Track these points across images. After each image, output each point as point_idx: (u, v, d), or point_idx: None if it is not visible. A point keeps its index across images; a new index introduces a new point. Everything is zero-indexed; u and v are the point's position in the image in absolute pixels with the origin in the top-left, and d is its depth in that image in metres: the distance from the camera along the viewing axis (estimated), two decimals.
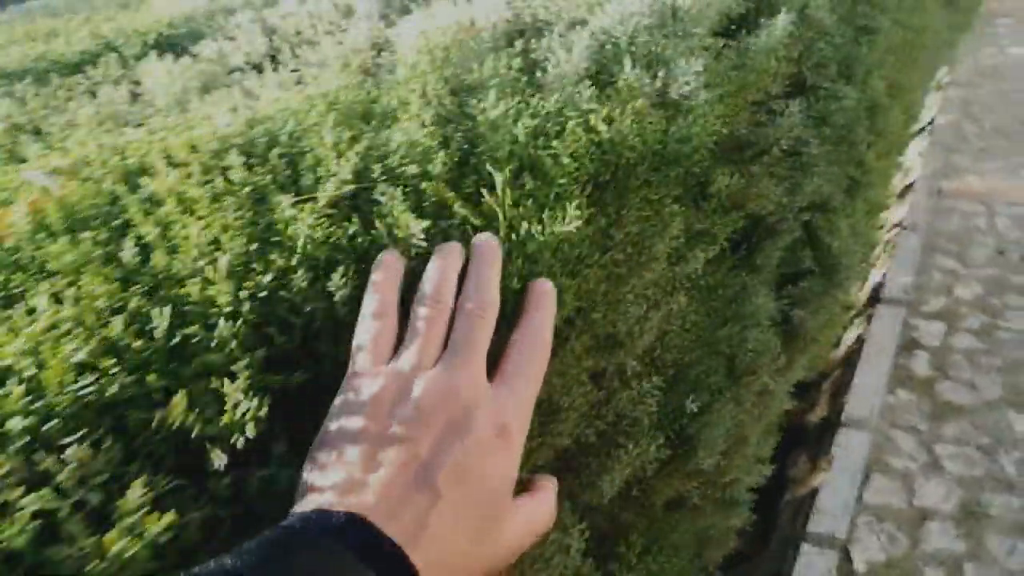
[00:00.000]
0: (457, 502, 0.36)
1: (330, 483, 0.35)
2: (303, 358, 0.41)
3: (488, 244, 0.44)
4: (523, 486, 0.43)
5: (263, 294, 0.40)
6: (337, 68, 0.62)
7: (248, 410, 0.35)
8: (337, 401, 0.39)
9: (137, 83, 0.69)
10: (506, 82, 0.56)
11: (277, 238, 0.43)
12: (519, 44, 0.63)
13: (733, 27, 0.86)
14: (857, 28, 1.11)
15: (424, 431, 0.37)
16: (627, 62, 0.62)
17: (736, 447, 1.12)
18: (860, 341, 2.50)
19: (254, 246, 0.42)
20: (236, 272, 0.40)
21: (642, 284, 0.65)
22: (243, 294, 0.39)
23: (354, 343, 0.40)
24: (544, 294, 0.45)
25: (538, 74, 0.59)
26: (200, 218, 0.43)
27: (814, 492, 2.01)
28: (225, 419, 0.35)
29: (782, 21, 0.79)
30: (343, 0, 0.76)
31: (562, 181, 0.54)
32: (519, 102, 0.53)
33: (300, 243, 0.41)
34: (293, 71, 0.63)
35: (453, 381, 0.39)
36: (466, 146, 0.51)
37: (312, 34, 0.72)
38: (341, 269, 0.42)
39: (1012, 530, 1.58)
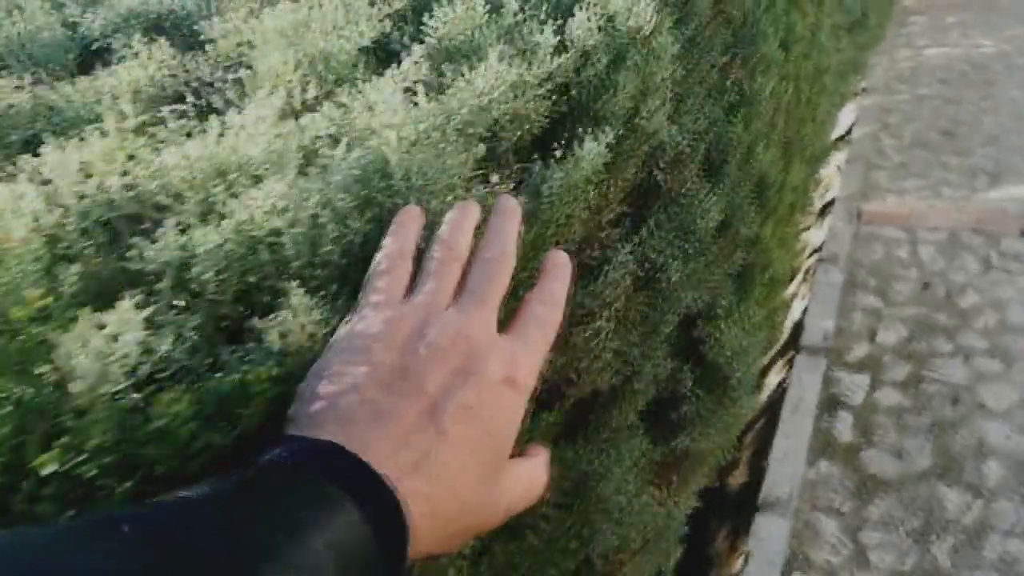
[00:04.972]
0: (461, 442, 0.35)
1: (326, 413, 0.34)
2: None
3: (508, 202, 0.45)
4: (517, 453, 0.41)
5: None
6: None
7: None
8: (342, 331, 0.37)
9: None
10: None
11: None
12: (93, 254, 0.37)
13: (538, 145, 0.61)
14: (729, 105, 0.88)
15: (434, 369, 0.36)
16: (294, 296, 0.36)
17: None
18: (781, 389, 2.31)
19: None
20: None
21: None
22: None
23: (367, 281, 0.40)
24: (562, 265, 0.45)
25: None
26: None
27: None
28: None
29: (589, 153, 0.54)
30: None
31: None
32: None
33: None
34: None
35: (466, 324, 0.38)
36: None
37: None
38: None
39: None
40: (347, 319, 0.38)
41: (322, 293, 0.39)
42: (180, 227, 0.36)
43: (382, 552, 0.30)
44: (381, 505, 0.31)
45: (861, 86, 3.65)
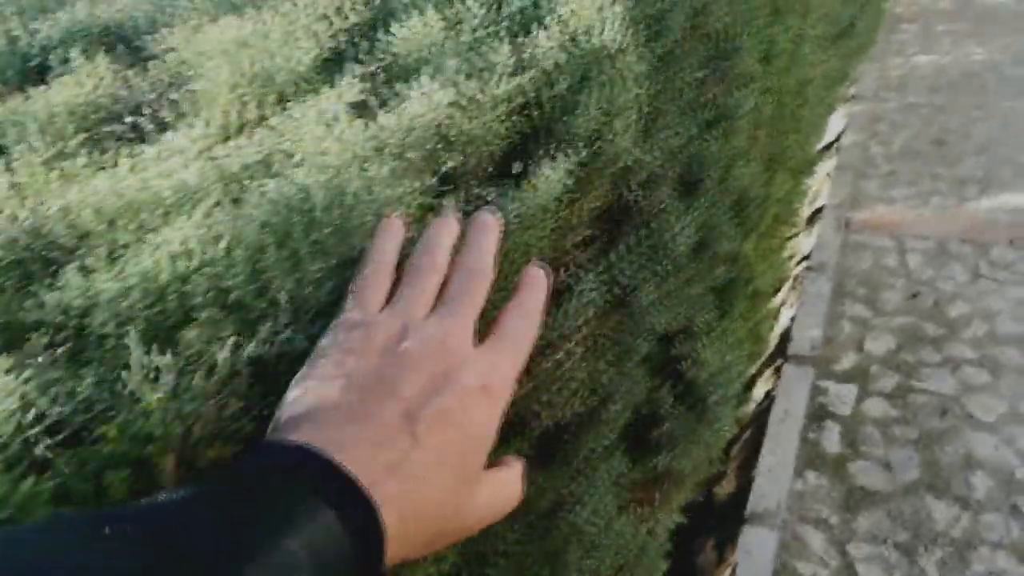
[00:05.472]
0: (437, 447, 0.36)
1: (304, 417, 0.34)
2: None
3: (487, 217, 0.46)
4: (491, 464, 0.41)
5: None
6: None
7: None
8: (324, 340, 0.38)
9: None
10: None
11: None
12: None
13: (500, 168, 0.58)
14: (706, 121, 0.85)
15: (411, 376, 0.37)
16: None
17: None
18: (768, 399, 2.28)
19: None
20: None
21: None
22: None
23: (348, 291, 0.40)
24: (540, 279, 0.45)
25: None
26: None
27: None
28: None
29: (547, 181, 0.51)
30: None
31: None
32: None
33: None
34: None
35: (444, 332, 0.39)
36: None
37: None
38: None
39: None
40: (329, 328, 0.39)
41: (231, 340, 0.36)
42: (84, 271, 0.33)
43: (358, 555, 0.30)
44: (357, 509, 0.31)
45: (851, 92, 3.63)
